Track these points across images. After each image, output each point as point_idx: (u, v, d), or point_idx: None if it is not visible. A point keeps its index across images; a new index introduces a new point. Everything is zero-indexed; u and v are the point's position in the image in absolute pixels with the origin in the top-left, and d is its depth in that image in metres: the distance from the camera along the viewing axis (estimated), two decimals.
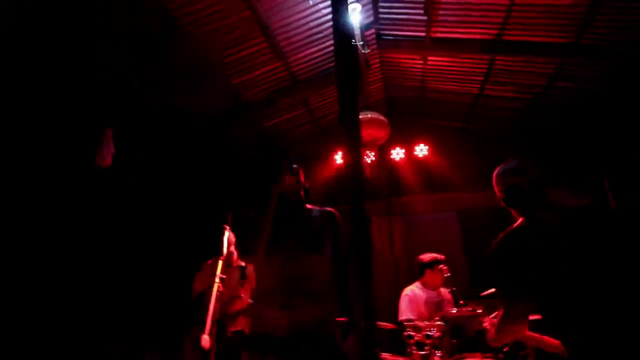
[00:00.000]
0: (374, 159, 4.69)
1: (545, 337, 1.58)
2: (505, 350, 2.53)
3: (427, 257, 3.37)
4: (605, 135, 4.12)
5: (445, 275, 2.81)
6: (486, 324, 1.59)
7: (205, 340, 1.85)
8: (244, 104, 4.17)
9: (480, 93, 4.64)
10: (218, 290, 2.05)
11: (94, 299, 3.04)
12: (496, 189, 1.59)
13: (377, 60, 4.42)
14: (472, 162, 5.06)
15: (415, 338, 2.50)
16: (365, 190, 1.00)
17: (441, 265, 2.85)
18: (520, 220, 1.49)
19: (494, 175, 1.62)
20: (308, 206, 2.00)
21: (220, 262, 2.21)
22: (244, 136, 4.47)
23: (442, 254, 3.54)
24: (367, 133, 3.12)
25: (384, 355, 2.77)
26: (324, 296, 1.79)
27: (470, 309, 2.56)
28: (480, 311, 2.53)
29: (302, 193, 2.00)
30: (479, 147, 5.10)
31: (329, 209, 1.97)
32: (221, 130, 4.23)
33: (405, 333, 2.51)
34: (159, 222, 3.49)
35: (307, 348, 1.70)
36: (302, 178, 2.01)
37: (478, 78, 4.41)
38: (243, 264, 2.85)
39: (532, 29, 3.51)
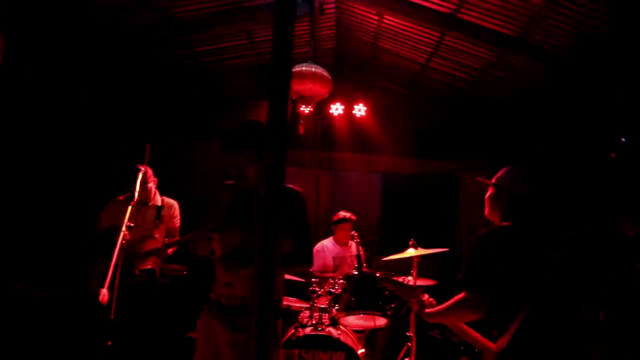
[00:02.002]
0: (311, 109, 4.57)
1: (476, 334, 1.59)
2: (392, 305, 2.84)
3: (337, 215, 3.70)
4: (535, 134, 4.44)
5: (356, 240, 2.99)
6: (425, 298, 1.62)
7: (103, 294, 1.79)
8: (174, 22, 3.67)
9: (426, 64, 4.69)
10: (123, 239, 1.93)
11: None
12: (507, 183, 1.55)
13: (333, 7, 4.15)
14: (405, 129, 5.23)
15: (319, 292, 2.69)
16: (286, 151, 0.89)
17: (353, 232, 3.03)
18: (500, 219, 1.52)
19: (510, 172, 1.57)
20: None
21: (129, 208, 2.05)
22: (171, 59, 4.00)
23: (360, 212, 3.84)
24: (307, 87, 2.97)
25: (290, 299, 2.95)
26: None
27: (370, 271, 2.81)
28: (378, 275, 2.77)
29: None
30: (414, 116, 5.26)
31: (290, 186, 1.79)
32: (146, 50, 3.72)
33: (311, 288, 2.67)
34: (67, 148, 3.09)
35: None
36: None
37: (427, 49, 4.41)
38: (159, 203, 2.69)
39: (486, 14, 3.52)
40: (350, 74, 5.27)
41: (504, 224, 1.51)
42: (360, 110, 5.00)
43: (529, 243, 1.44)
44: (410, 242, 2.85)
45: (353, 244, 3.77)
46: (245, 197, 1.77)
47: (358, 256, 2.71)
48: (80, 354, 2.45)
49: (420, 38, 4.26)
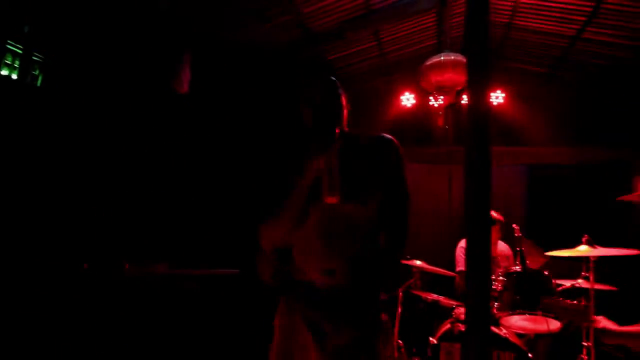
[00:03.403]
0: (442, 102, 4.40)
1: None
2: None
3: None
4: None
5: (516, 235, 2.73)
6: (602, 324, 1.46)
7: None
8: (312, 35, 3.97)
9: (578, 36, 4.07)
10: None
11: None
12: None
13: None
14: (553, 114, 4.61)
15: None
16: (489, 146, 0.84)
17: (513, 225, 2.79)
18: None
19: None
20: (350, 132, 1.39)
21: None
22: (308, 70, 4.33)
23: (502, 210, 3.50)
24: (447, 77, 2.87)
25: (438, 297, 2.87)
26: (368, 265, 1.31)
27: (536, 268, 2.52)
28: (547, 273, 2.47)
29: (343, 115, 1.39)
30: (564, 98, 4.60)
31: (381, 134, 1.40)
32: (285, 64, 4.11)
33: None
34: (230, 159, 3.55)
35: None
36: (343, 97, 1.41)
37: (580, 18, 3.83)
38: None
39: None
40: None
41: None
42: (497, 97, 4.61)
43: None
44: (584, 238, 2.44)
45: (500, 243, 3.49)
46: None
47: (521, 252, 2.47)
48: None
49: (570, 7, 3.73)
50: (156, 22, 3.07)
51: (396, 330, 2.77)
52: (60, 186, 2.74)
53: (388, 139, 1.39)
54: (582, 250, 2.40)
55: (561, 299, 2.29)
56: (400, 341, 2.79)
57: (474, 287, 0.70)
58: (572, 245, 2.45)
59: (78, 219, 2.71)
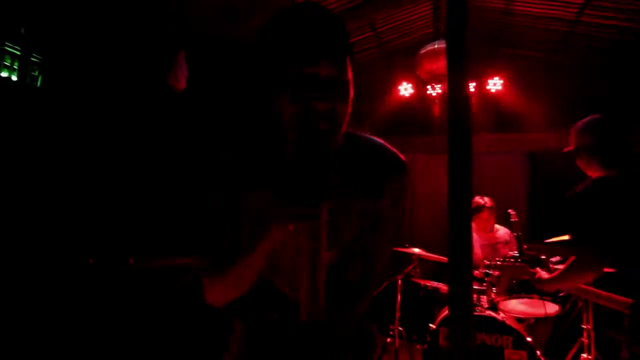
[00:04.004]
0: (439, 91, 4.39)
1: (609, 294, 1.55)
2: (561, 295, 2.52)
3: (472, 203, 3.39)
4: None
5: (513, 220, 2.75)
6: (537, 275, 1.63)
7: None
8: None
9: (577, 19, 4.03)
10: None
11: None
12: (578, 142, 1.59)
13: None
14: (553, 99, 4.58)
15: (474, 274, 2.57)
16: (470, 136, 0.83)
17: (509, 210, 2.81)
18: (601, 173, 1.48)
19: (581, 128, 1.62)
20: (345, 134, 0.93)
21: None
22: None
23: (503, 198, 3.52)
24: (441, 65, 2.87)
25: (438, 284, 2.90)
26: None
27: (534, 253, 2.54)
28: (544, 257, 2.49)
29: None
30: (564, 83, 4.57)
31: (392, 152, 0.98)
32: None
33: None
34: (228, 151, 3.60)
35: None
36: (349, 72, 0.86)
37: (577, 1, 3.79)
38: None
39: None
40: (479, 46, 4.88)
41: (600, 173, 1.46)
42: (495, 84, 4.59)
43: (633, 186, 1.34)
44: None
45: (501, 229, 3.51)
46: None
47: (517, 237, 2.49)
48: None
49: None
50: (152, 20, 3.09)
51: (397, 317, 2.81)
52: (62, 183, 2.80)
53: (398, 162, 0.97)
54: None
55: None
56: (400, 328, 2.83)
57: (455, 276, 0.73)
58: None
59: (81, 215, 2.76)
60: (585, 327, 2.43)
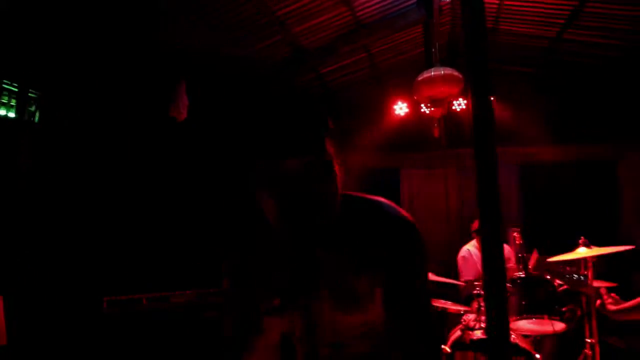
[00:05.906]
0: (443, 112, 4.49)
1: None
2: (566, 309, 2.61)
3: (477, 224, 3.47)
4: None
5: (518, 242, 2.84)
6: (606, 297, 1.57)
7: None
8: (303, 52, 4.04)
9: (559, 37, 4.21)
10: None
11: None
12: None
13: (449, 3, 4.05)
14: (542, 113, 4.75)
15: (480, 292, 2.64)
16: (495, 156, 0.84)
17: (513, 233, 2.90)
18: None
19: None
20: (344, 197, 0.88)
21: None
22: (303, 86, 4.41)
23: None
24: (439, 90, 2.98)
25: (446, 303, 2.95)
26: None
27: (537, 274, 2.63)
28: (549, 277, 2.58)
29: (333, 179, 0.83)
30: (548, 99, 4.75)
31: (396, 213, 0.91)
32: (279, 81, 4.18)
33: (475, 291, 2.64)
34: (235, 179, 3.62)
35: None
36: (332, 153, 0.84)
37: (559, 21, 3.97)
38: None
39: None
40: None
41: None
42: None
43: None
44: (581, 240, 2.57)
45: (505, 247, 3.60)
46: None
47: (522, 257, 2.57)
48: None
49: (549, 10, 3.87)
50: (152, 52, 3.10)
51: None
52: (67, 223, 2.76)
53: (408, 222, 0.90)
54: (582, 252, 2.53)
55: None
56: None
57: (491, 294, 0.77)
58: (566, 240, 2.60)
59: (89, 254, 2.74)
60: (588, 340, 2.53)
